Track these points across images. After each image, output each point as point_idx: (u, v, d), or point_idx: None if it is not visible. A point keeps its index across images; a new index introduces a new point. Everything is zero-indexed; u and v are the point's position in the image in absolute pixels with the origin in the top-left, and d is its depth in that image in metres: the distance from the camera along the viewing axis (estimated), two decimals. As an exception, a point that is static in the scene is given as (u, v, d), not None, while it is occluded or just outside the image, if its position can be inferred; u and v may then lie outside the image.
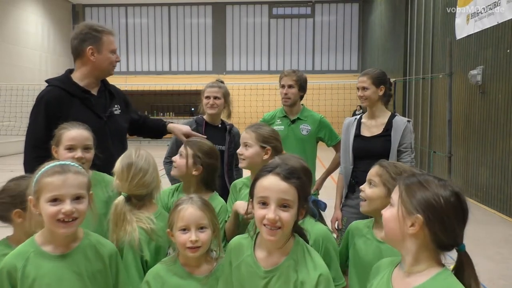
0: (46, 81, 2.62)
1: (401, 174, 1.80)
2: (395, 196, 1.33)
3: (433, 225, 1.23)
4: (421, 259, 1.27)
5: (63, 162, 1.62)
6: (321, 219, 1.91)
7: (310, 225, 1.82)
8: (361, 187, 1.98)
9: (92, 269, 1.62)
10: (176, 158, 2.29)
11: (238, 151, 2.29)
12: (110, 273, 1.67)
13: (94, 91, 2.62)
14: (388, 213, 1.34)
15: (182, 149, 2.29)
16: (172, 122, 2.98)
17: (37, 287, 1.54)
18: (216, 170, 2.32)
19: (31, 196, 1.57)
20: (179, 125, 2.89)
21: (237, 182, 2.44)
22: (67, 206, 1.51)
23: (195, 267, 1.72)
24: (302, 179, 1.51)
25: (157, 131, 2.97)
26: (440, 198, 1.23)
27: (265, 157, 2.22)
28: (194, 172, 2.22)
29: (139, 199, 1.98)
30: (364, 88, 3.02)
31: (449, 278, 1.24)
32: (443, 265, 1.28)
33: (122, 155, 2.04)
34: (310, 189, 1.92)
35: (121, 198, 1.91)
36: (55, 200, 1.52)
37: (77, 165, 1.64)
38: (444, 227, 1.23)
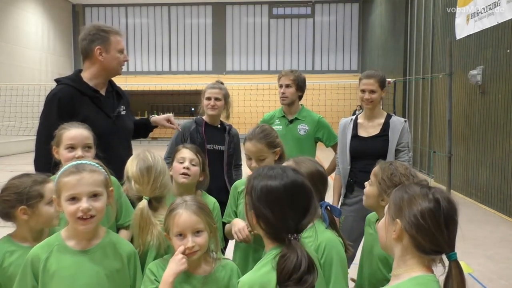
0: (56, 80, 2.66)
1: (390, 176, 1.89)
2: (386, 206, 1.40)
3: (411, 230, 1.26)
4: (403, 262, 1.30)
5: (79, 162, 1.68)
6: (333, 226, 1.85)
7: (318, 231, 1.76)
8: (366, 183, 2.05)
9: (110, 267, 1.66)
10: (187, 166, 2.27)
11: (253, 165, 2.23)
12: (128, 273, 1.70)
13: (103, 91, 2.66)
14: (380, 222, 1.42)
15: (192, 156, 2.30)
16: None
17: (57, 278, 1.59)
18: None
19: (54, 195, 1.65)
20: (160, 116, 2.98)
21: (238, 184, 2.44)
22: (83, 204, 1.58)
23: (194, 267, 1.73)
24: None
25: (144, 128, 3.03)
26: (417, 203, 1.27)
27: (276, 157, 2.27)
28: (201, 178, 2.32)
29: (158, 201, 1.98)
30: (372, 91, 3.01)
31: (422, 282, 1.24)
32: (430, 271, 1.28)
33: (134, 159, 2.02)
34: (324, 194, 1.91)
35: (144, 202, 1.90)
36: (73, 199, 1.59)
37: (93, 163, 1.69)
38: (422, 232, 1.25)
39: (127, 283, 1.70)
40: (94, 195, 1.61)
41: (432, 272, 1.29)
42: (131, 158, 2.05)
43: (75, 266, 1.61)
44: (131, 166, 1.99)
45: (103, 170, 1.70)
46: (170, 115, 2.94)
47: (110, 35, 2.58)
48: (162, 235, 1.84)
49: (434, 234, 1.24)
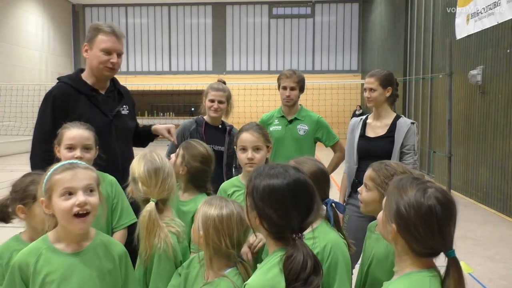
0: (58, 78, 2.66)
1: (392, 177, 1.79)
2: (384, 199, 1.38)
3: (404, 235, 1.26)
4: (402, 261, 1.31)
5: (71, 161, 1.64)
6: (337, 224, 1.84)
7: (323, 232, 1.74)
8: (359, 189, 1.96)
9: (102, 268, 1.63)
10: (173, 156, 2.39)
11: (249, 155, 2.25)
12: (120, 274, 1.68)
13: (103, 91, 2.64)
14: (379, 216, 1.39)
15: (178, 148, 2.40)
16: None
17: (48, 282, 1.56)
18: (203, 173, 2.36)
19: (43, 197, 1.59)
20: (162, 125, 2.96)
21: (226, 186, 2.42)
22: (80, 197, 1.54)
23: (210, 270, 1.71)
24: None
25: (146, 136, 2.99)
26: (411, 209, 1.24)
27: (268, 155, 2.26)
28: (181, 172, 2.30)
29: (164, 203, 1.96)
30: (371, 90, 3.01)
31: (414, 278, 1.25)
32: (426, 266, 1.28)
33: (140, 160, 1.98)
34: (328, 192, 1.89)
35: (152, 205, 1.87)
36: (68, 194, 1.54)
37: (85, 163, 1.67)
38: (414, 237, 1.24)
39: (118, 283, 1.67)
40: (90, 190, 1.58)
41: (431, 266, 1.29)
42: (137, 159, 2.01)
43: (67, 269, 1.58)
44: (138, 167, 1.95)
45: (94, 169, 1.68)
46: (171, 126, 2.93)
47: (98, 33, 2.53)
48: (169, 237, 1.83)
49: (426, 241, 1.24)
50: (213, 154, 2.43)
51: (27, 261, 1.57)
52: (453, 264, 1.24)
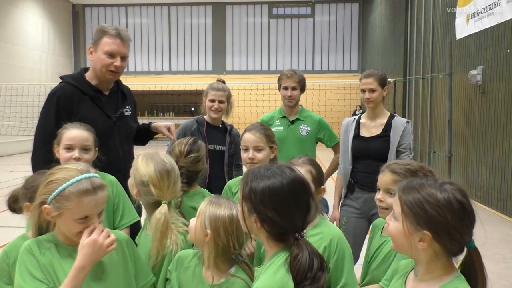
0: (60, 77, 2.64)
1: (415, 173, 1.73)
2: (396, 208, 1.28)
3: (442, 239, 1.20)
4: (433, 268, 1.25)
5: (88, 175, 1.53)
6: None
7: (326, 227, 1.77)
8: (379, 196, 1.85)
9: (111, 259, 1.60)
10: None
11: (250, 155, 2.26)
12: (129, 261, 1.66)
13: (106, 92, 2.61)
14: (393, 228, 1.29)
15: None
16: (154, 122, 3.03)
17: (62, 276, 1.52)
18: (190, 170, 2.30)
19: (49, 205, 1.49)
20: (162, 123, 2.92)
21: (232, 183, 2.43)
22: (96, 224, 1.52)
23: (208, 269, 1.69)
24: None
25: (145, 133, 2.95)
26: (445, 212, 1.19)
27: (272, 156, 2.28)
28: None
29: (170, 204, 1.93)
30: (371, 90, 2.98)
31: (459, 286, 1.22)
32: (454, 268, 1.26)
33: (148, 161, 1.90)
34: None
35: (165, 207, 1.83)
36: (84, 218, 1.51)
37: (95, 175, 1.57)
38: (452, 238, 1.20)
39: (130, 271, 1.65)
40: (100, 212, 1.57)
41: (454, 266, 1.27)
42: (142, 160, 1.93)
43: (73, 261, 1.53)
44: (147, 169, 1.86)
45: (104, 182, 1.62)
46: (171, 124, 2.89)
47: (104, 36, 2.50)
48: (179, 239, 1.82)
49: (463, 236, 1.20)
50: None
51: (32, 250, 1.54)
52: (476, 254, 1.22)
